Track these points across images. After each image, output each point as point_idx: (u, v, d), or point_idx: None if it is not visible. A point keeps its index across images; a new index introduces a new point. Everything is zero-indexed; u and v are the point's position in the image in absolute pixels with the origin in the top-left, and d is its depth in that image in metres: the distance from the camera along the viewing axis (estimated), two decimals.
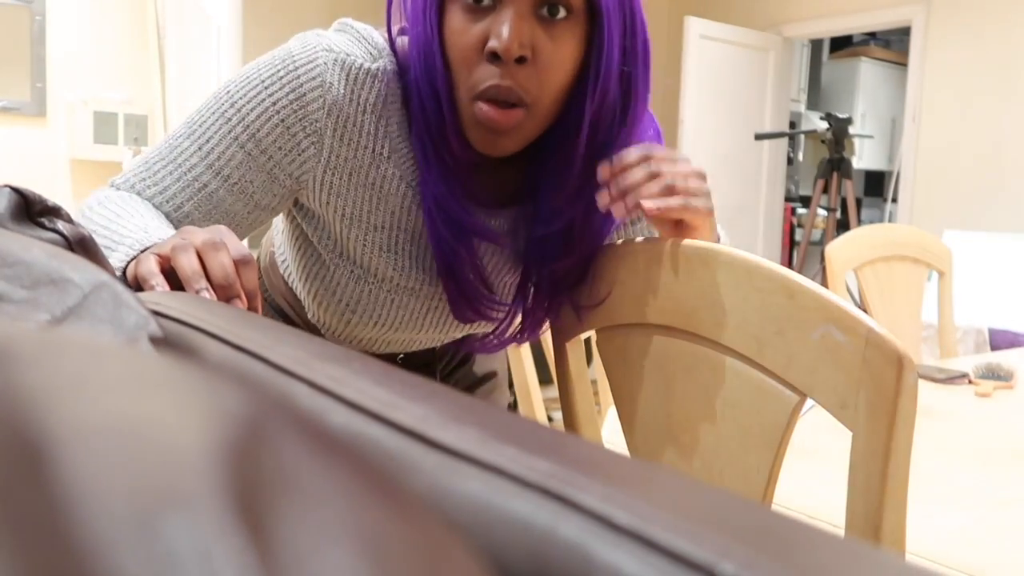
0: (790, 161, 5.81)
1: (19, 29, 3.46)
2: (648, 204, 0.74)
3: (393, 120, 0.79)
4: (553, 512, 0.21)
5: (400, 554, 0.17)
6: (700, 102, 4.63)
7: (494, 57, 0.71)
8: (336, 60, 0.76)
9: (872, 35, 6.40)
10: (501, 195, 0.85)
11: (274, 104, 0.76)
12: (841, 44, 6.53)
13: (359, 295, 0.86)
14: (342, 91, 0.76)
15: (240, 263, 0.61)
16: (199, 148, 0.78)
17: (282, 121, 0.76)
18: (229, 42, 3.02)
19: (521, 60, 0.71)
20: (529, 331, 0.92)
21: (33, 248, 0.40)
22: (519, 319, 0.91)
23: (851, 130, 3.80)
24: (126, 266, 0.65)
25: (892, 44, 6.49)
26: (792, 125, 5.66)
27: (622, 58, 0.76)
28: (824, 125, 3.78)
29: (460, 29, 0.72)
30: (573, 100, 0.77)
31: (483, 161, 0.79)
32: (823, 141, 3.82)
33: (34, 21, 3.47)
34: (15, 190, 0.51)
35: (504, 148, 0.76)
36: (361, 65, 0.77)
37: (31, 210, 0.51)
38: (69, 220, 0.52)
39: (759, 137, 3.95)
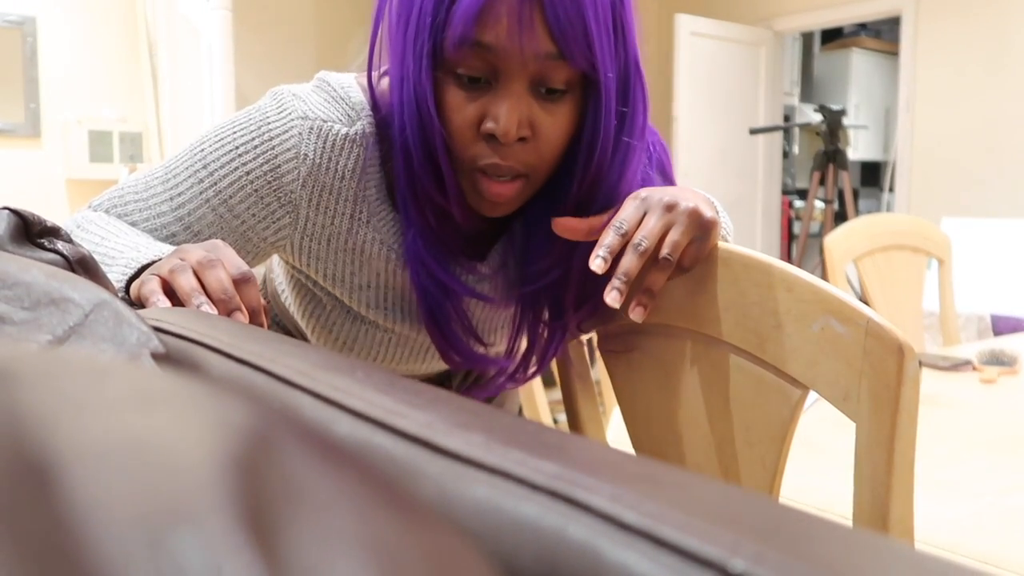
0: (785, 154, 5.81)
1: (11, 51, 3.46)
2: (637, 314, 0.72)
3: (371, 184, 0.77)
4: (562, 514, 0.21)
5: (410, 562, 0.17)
6: (693, 99, 4.64)
7: (492, 138, 0.69)
8: (312, 128, 0.74)
9: (863, 26, 6.40)
10: (487, 236, 0.84)
11: (248, 174, 0.74)
12: (832, 36, 6.54)
13: (355, 334, 0.85)
14: (318, 160, 0.74)
15: (239, 280, 0.60)
16: (171, 199, 0.77)
17: (256, 191, 0.74)
18: (220, 58, 3.02)
19: (521, 139, 0.70)
20: (539, 364, 0.89)
21: (32, 269, 0.40)
22: (522, 355, 0.89)
23: (845, 121, 3.81)
24: (128, 285, 0.65)
25: (883, 34, 6.49)
26: (786, 118, 5.66)
27: (619, 126, 0.73)
28: (818, 117, 3.78)
29: (456, 105, 0.70)
30: (566, 156, 0.75)
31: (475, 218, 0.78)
32: (818, 133, 3.82)
33: (25, 42, 3.47)
34: (14, 212, 0.51)
35: (503, 212, 0.75)
36: (339, 131, 0.75)
37: (31, 232, 0.51)
38: (69, 240, 0.52)
39: (753, 132, 3.95)
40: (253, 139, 0.74)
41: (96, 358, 0.25)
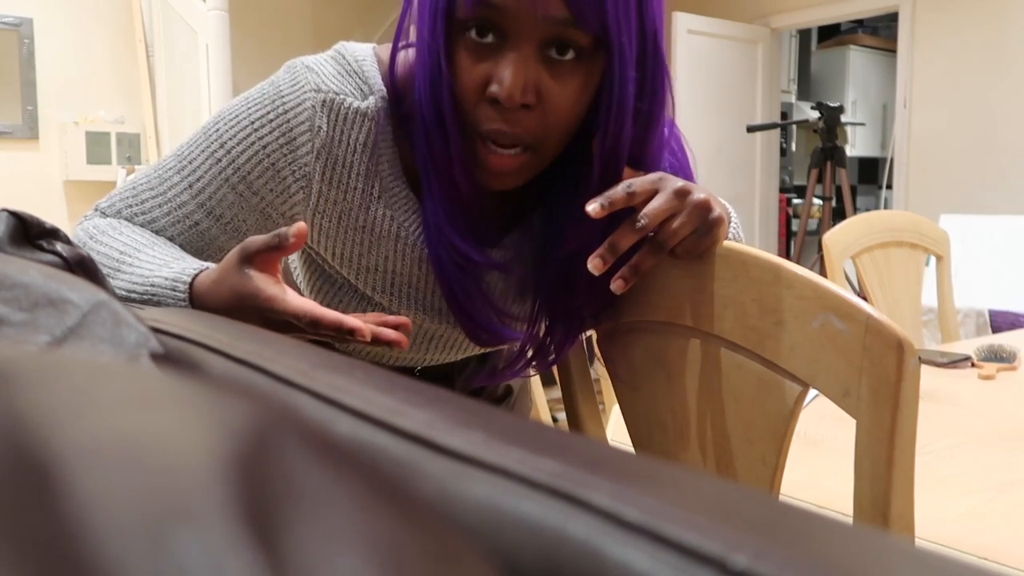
0: (783, 152, 5.81)
1: (8, 53, 3.46)
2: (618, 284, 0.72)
3: (384, 159, 0.77)
4: (562, 512, 0.21)
5: (411, 560, 0.17)
6: (691, 97, 4.64)
7: (496, 102, 0.68)
8: (324, 102, 0.74)
9: (860, 22, 6.40)
10: (503, 220, 0.83)
11: (264, 148, 0.75)
12: (829, 33, 6.54)
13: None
14: (331, 133, 0.74)
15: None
16: (189, 186, 0.77)
17: (272, 164, 0.75)
18: (217, 58, 3.01)
19: (525, 106, 0.68)
20: (556, 353, 0.87)
21: (30, 270, 0.40)
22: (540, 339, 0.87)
23: (843, 118, 3.81)
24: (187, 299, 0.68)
25: (880, 31, 6.49)
26: (784, 116, 5.66)
27: (638, 93, 0.71)
28: (815, 115, 3.78)
29: (465, 66, 0.69)
30: (585, 132, 0.73)
31: (487, 192, 0.76)
32: (815, 131, 3.82)
33: (23, 44, 3.47)
34: (13, 214, 0.51)
35: (510, 184, 0.74)
36: (350, 105, 0.75)
37: (29, 233, 0.51)
38: (67, 242, 0.52)
39: (751, 129, 3.95)
40: (268, 113, 0.75)
41: (95, 359, 0.25)
